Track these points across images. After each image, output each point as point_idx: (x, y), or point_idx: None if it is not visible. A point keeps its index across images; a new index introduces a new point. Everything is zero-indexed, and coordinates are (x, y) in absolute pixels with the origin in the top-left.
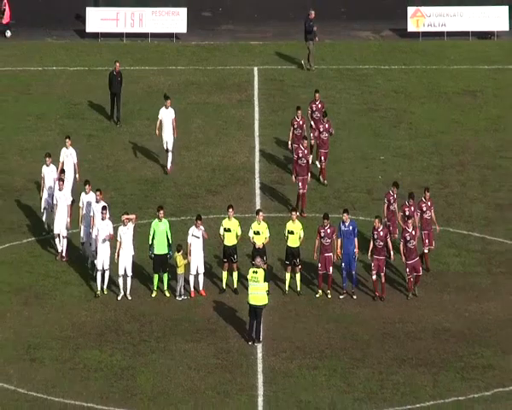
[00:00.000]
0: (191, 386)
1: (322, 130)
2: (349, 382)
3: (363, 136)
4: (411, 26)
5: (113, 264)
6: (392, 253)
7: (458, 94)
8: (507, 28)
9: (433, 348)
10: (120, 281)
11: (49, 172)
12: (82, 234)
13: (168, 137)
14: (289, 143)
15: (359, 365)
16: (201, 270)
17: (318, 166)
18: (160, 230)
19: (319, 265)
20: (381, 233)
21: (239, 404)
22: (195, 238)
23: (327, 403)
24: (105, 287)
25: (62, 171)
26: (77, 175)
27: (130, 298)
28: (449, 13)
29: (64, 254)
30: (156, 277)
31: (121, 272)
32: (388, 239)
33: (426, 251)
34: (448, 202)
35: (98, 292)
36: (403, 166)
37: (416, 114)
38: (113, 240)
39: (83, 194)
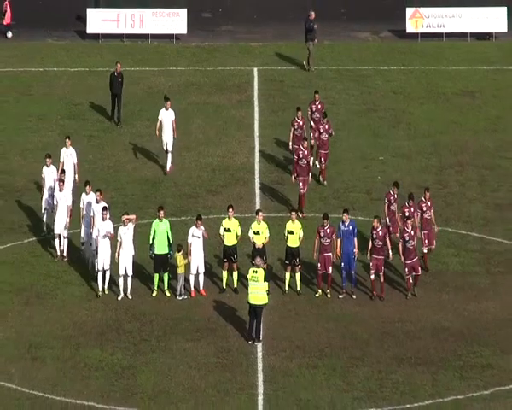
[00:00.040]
0: (191, 385)
1: (322, 131)
2: (348, 381)
3: (362, 136)
4: (410, 27)
5: (114, 264)
6: (390, 252)
7: (457, 95)
8: (505, 29)
9: (432, 347)
10: (121, 281)
11: (49, 173)
12: (82, 234)
13: (168, 139)
14: (290, 143)
15: (359, 364)
16: (202, 269)
17: (318, 166)
18: (161, 230)
19: (318, 264)
20: (380, 233)
21: (239, 403)
22: (196, 238)
23: (326, 402)
24: (105, 287)
25: (63, 171)
26: (76, 176)
27: (130, 297)
28: (447, 14)
29: (65, 254)
30: (157, 276)
31: (122, 272)
32: (387, 239)
33: (425, 251)
34: (447, 202)
35: (99, 293)
36: (402, 167)
37: (415, 114)
38: (114, 240)
39: (83, 194)
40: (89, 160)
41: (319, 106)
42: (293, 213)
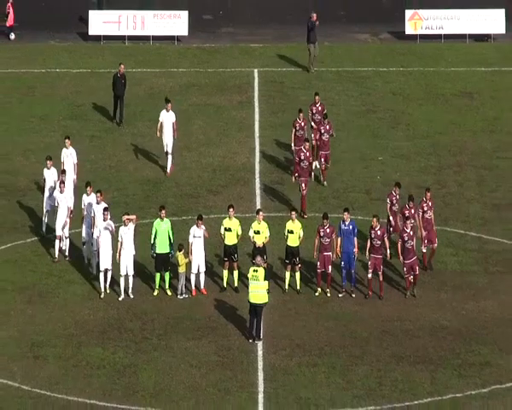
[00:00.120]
0: (192, 383)
1: (323, 131)
2: (348, 379)
3: (361, 137)
4: (409, 29)
5: (115, 264)
6: (388, 251)
7: (455, 96)
8: (503, 31)
9: (431, 345)
10: (122, 281)
11: (49, 175)
12: (84, 234)
13: (168, 140)
14: (292, 144)
15: (358, 362)
16: (202, 269)
17: (318, 166)
18: (162, 229)
19: (318, 263)
20: (379, 232)
21: (240, 401)
22: (197, 238)
23: (326, 400)
24: (107, 286)
25: (63, 171)
26: (74, 176)
27: (132, 296)
28: (446, 16)
29: (67, 254)
30: (158, 275)
31: (123, 271)
32: (385, 238)
33: (424, 250)
34: (445, 202)
35: (102, 294)
36: (401, 167)
37: (414, 115)
38: (115, 240)
39: (84, 195)
40: (91, 160)
41: (319, 108)
42: (293, 212)
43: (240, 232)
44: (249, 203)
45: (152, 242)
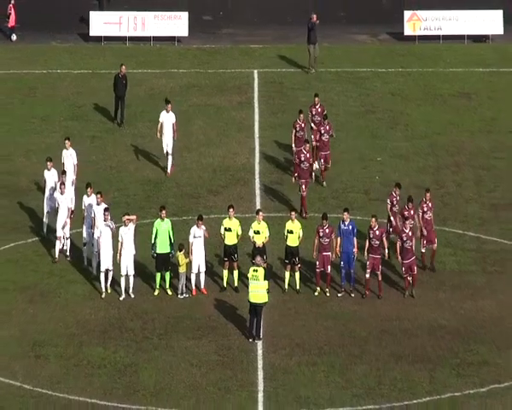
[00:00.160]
0: (193, 382)
1: (323, 132)
2: (347, 378)
3: (360, 137)
4: (408, 30)
5: (116, 264)
6: (386, 251)
7: (454, 96)
8: (501, 32)
9: (430, 344)
10: (122, 281)
11: (50, 177)
12: (84, 235)
13: (168, 141)
14: (292, 145)
15: (357, 361)
16: (203, 268)
17: (318, 167)
18: (163, 229)
19: (317, 263)
20: (377, 232)
21: (240, 400)
22: (197, 238)
23: (325, 399)
24: (108, 285)
25: (64, 172)
26: (74, 176)
27: (133, 296)
28: (445, 17)
29: (68, 254)
30: (158, 275)
31: (123, 272)
32: (384, 238)
33: (423, 251)
34: (444, 202)
35: (103, 294)
36: (399, 167)
37: (413, 115)
38: (115, 240)
39: (85, 196)
40: (91, 160)
41: (319, 109)
42: (293, 212)
43: (240, 232)
44: (249, 203)
45: (152, 242)
